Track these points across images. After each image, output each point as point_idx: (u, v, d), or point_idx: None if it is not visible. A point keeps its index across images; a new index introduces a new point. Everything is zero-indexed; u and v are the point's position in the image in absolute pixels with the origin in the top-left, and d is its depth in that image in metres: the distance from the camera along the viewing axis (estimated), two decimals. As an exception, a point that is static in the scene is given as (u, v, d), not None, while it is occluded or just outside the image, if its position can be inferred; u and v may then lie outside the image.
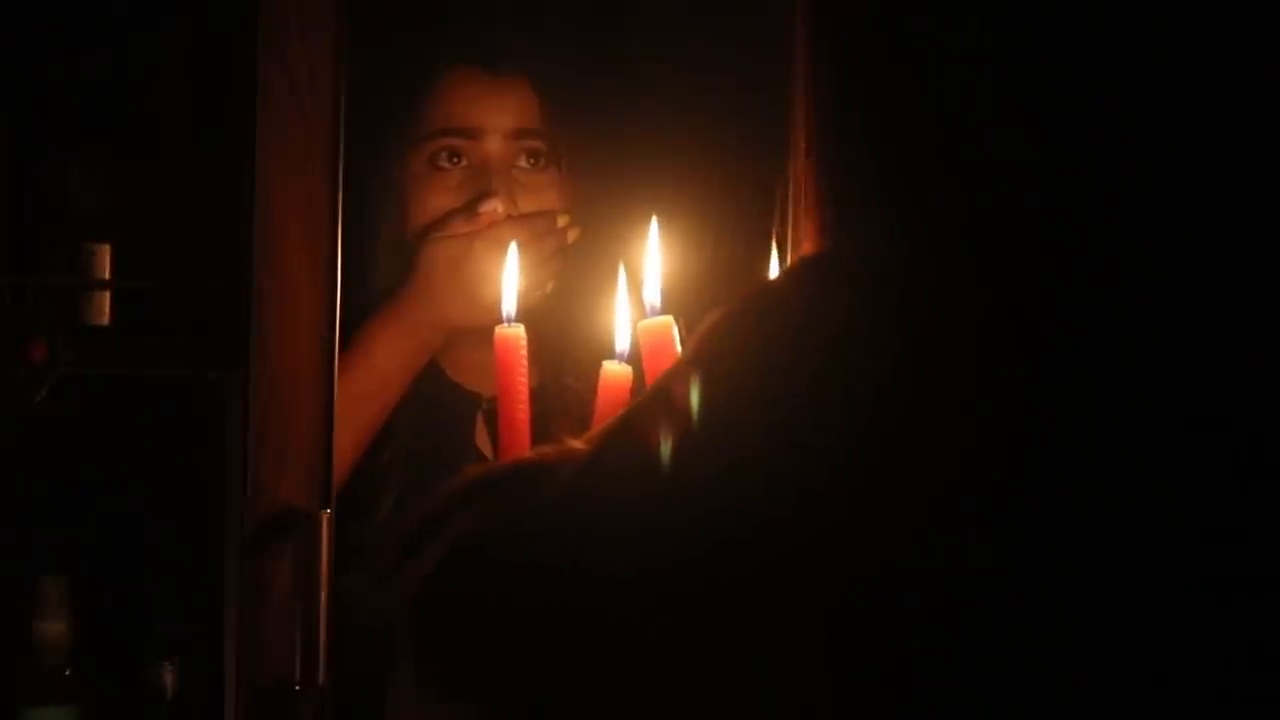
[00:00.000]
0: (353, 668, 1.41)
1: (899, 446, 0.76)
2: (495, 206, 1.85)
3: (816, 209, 0.84)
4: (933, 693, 0.74)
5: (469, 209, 1.86)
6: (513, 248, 1.40)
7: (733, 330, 0.82)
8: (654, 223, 1.31)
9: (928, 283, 0.79)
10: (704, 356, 0.82)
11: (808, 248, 0.85)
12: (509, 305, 1.32)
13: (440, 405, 1.96)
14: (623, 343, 1.28)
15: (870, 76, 0.83)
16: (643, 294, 1.27)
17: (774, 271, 1.26)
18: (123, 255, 1.68)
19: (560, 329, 1.91)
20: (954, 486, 0.76)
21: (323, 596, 1.49)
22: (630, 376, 1.27)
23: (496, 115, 1.89)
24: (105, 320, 1.68)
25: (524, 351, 1.29)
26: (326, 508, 1.50)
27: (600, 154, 1.94)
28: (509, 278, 1.34)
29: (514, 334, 1.29)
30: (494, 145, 1.89)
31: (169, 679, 1.65)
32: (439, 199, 1.89)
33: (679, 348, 1.23)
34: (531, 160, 1.91)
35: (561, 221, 1.87)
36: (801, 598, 0.75)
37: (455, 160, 1.90)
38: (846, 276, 0.81)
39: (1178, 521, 0.75)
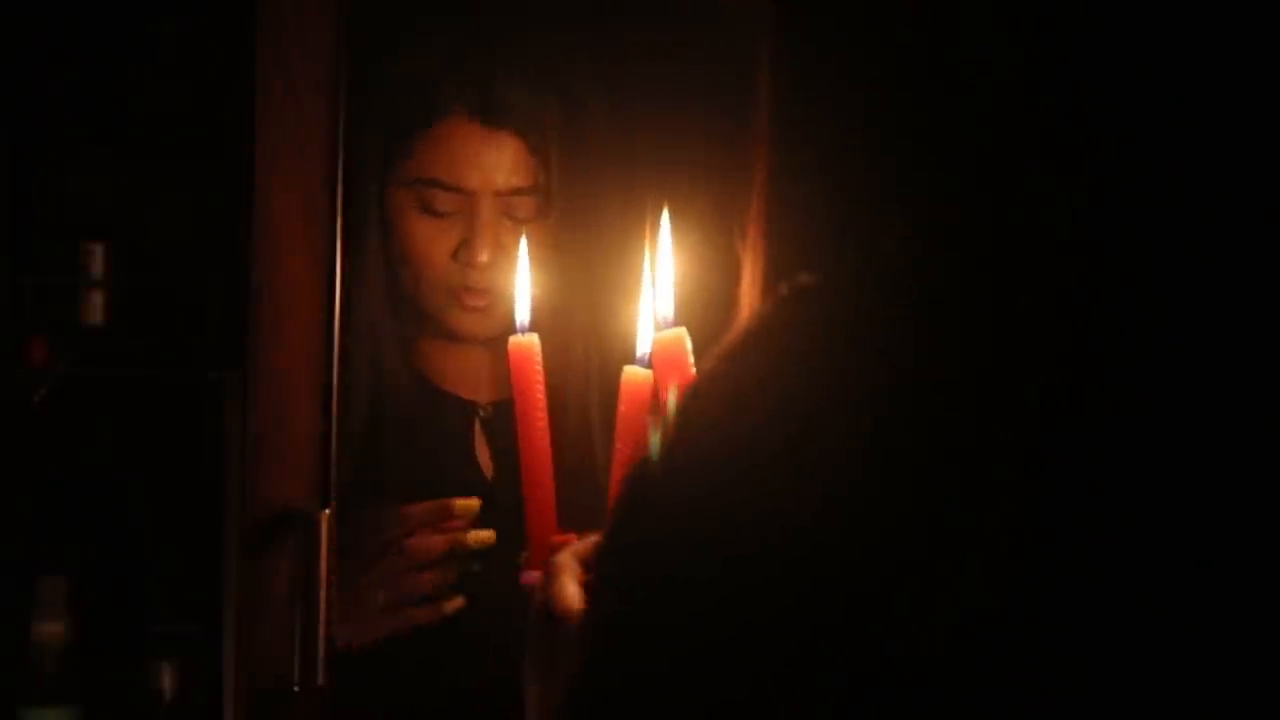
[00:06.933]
0: None
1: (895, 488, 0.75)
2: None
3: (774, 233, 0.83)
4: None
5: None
6: (524, 243, 1.35)
7: (710, 392, 0.81)
8: (665, 221, 1.26)
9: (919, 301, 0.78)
10: (683, 426, 0.80)
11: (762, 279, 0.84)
12: (523, 314, 1.29)
13: (434, 416, 1.94)
14: (644, 347, 1.24)
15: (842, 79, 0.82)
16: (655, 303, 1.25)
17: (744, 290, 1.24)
18: (122, 255, 1.68)
19: (577, 335, 1.89)
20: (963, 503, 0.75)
21: (323, 596, 1.49)
22: (651, 380, 1.25)
23: (487, 174, 1.85)
24: (105, 320, 1.68)
25: (539, 360, 1.26)
26: (326, 508, 1.50)
27: (595, 202, 1.92)
28: (521, 284, 1.31)
29: (528, 343, 1.26)
30: (482, 202, 1.87)
31: (169, 679, 1.65)
32: (424, 241, 1.87)
33: (691, 360, 1.22)
34: (521, 215, 1.88)
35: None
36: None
37: (442, 211, 1.87)
38: (832, 306, 0.80)
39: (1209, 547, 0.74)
